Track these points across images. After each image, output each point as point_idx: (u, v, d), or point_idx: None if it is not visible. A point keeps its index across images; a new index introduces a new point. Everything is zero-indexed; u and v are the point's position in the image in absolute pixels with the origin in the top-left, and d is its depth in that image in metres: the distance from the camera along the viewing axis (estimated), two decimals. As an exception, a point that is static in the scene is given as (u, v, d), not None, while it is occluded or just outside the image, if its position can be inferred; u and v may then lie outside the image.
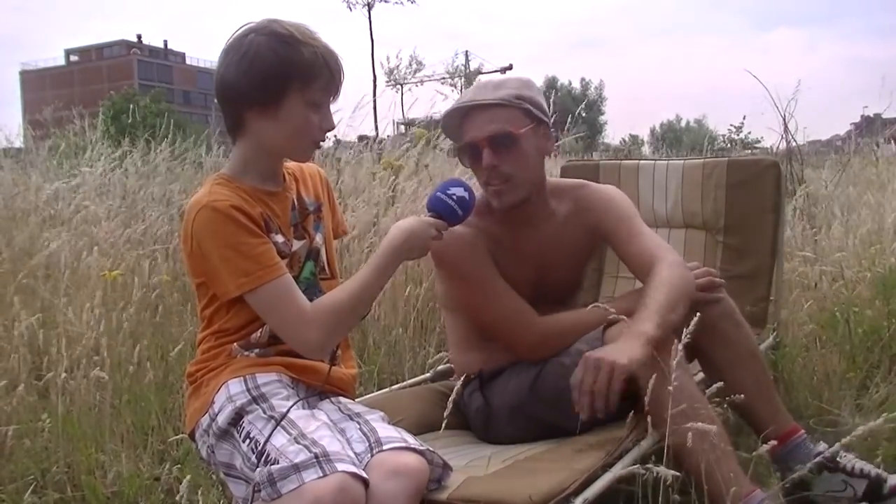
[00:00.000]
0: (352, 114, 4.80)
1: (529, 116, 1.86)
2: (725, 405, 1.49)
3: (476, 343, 1.99)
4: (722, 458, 1.57)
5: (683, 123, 68.55)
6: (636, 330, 1.65)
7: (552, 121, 1.96)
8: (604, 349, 1.64)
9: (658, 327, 1.65)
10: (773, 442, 1.55)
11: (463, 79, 44.68)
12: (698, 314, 1.59)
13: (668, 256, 1.81)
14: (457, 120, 1.90)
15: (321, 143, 1.62)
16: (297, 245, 1.60)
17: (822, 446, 1.92)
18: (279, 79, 1.48)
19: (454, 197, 1.62)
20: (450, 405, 1.58)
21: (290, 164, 1.67)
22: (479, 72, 44.33)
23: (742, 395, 1.63)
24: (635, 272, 1.90)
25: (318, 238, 1.65)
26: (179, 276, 3.47)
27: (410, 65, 45.46)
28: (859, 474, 1.88)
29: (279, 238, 1.56)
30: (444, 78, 44.85)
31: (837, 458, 1.89)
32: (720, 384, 1.61)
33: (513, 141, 1.83)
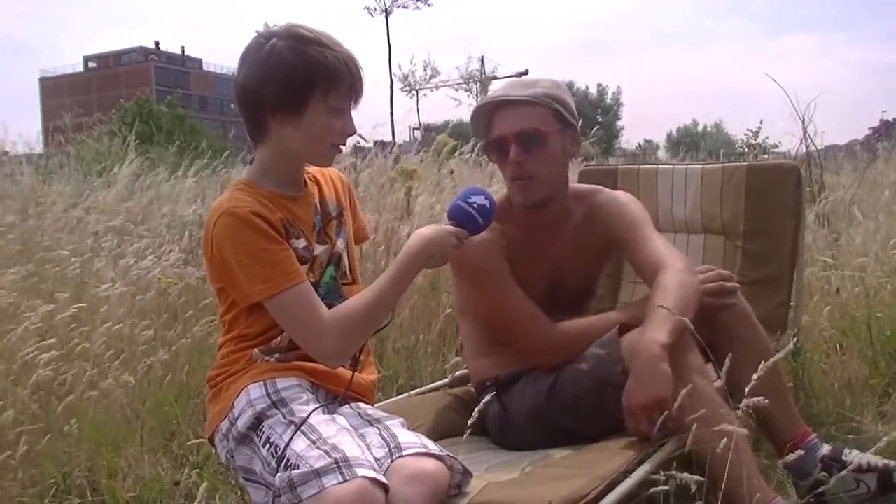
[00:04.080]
0: (373, 129, 4.81)
1: (558, 117, 1.87)
2: (750, 410, 1.47)
3: (491, 349, 1.99)
4: (744, 464, 1.55)
5: (701, 128, 68.15)
6: (650, 339, 1.65)
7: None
8: (640, 384, 1.63)
9: (670, 335, 1.66)
10: (800, 452, 1.53)
11: (478, 84, 44.67)
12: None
13: (675, 263, 1.81)
14: (486, 115, 1.91)
15: (342, 147, 1.62)
16: (318, 250, 1.60)
17: (825, 449, 1.91)
18: (303, 85, 1.48)
19: (475, 205, 1.61)
20: (475, 416, 1.57)
21: (312, 169, 1.67)
22: (494, 77, 44.32)
23: (766, 400, 1.62)
24: (644, 278, 1.90)
25: (340, 243, 1.65)
26: (201, 283, 3.48)
27: (426, 70, 45.49)
28: (867, 469, 1.87)
29: (301, 243, 1.56)
30: (459, 83, 44.89)
31: (843, 458, 1.89)
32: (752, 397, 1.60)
33: (541, 139, 1.84)
